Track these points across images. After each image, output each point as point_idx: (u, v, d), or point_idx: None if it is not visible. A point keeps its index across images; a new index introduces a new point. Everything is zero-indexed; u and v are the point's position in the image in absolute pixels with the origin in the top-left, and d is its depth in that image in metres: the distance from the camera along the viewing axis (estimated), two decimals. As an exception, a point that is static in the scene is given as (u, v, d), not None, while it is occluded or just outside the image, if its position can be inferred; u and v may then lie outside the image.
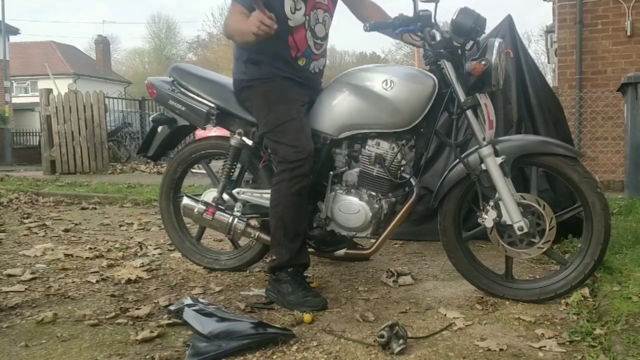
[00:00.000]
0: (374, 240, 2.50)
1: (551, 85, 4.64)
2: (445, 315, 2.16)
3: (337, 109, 2.42)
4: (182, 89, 2.70)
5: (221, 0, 55.32)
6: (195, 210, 2.66)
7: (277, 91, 2.41)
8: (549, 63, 19.88)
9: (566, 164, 2.24)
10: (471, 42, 2.26)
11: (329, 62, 3.28)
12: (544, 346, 1.83)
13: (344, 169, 2.47)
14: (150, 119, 2.91)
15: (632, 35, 6.64)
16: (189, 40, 58.28)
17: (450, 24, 2.23)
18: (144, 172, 9.64)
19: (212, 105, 2.62)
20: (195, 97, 2.66)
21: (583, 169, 2.23)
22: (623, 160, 5.81)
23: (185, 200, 2.72)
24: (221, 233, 2.74)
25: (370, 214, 2.39)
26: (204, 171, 2.99)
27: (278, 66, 2.43)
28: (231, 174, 2.70)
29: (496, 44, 2.20)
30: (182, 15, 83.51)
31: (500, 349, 1.82)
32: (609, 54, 6.75)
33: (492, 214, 2.24)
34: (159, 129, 2.84)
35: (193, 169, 3.09)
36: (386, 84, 2.32)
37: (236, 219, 2.61)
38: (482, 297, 2.34)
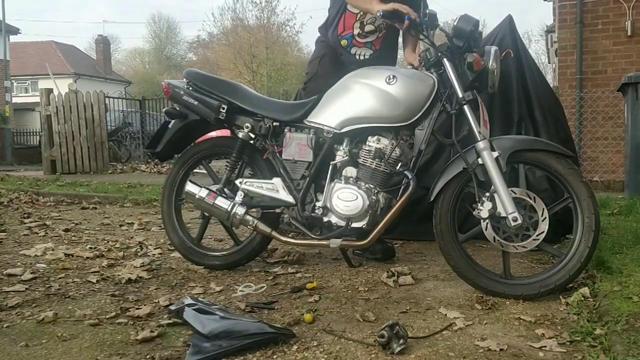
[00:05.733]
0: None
1: (551, 85, 4.64)
2: (446, 315, 2.16)
3: (341, 104, 2.57)
4: (197, 88, 2.82)
5: (221, 1, 55.33)
6: (197, 194, 2.75)
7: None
8: (549, 63, 19.88)
9: (551, 157, 2.34)
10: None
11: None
12: (545, 346, 1.83)
13: (345, 159, 2.58)
14: (164, 111, 3.03)
15: (632, 35, 6.63)
16: (189, 40, 58.33)
17: (452, 30, 2.42)
18: (144, 171, 9.65)
19: (223, 100, 2.75)
20: (209, 94, 2.78)
21: (566, 161, 2.33)
22: (623, 160, 5.81)
23: (189, 185, 2.82)
24: (220, 219, 2.80)
25: (368, 203, 2.51)
26: (204, 171, 3.03)
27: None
28: (236, 166, 2.82)
29: (492, 51, 2.43)
30: (182, 15, 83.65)
31: (501, 349, 1.82)
32: (609, 54, 6.75)
33: (488, 205, 2.33)
34: (170, 124, 2.91)
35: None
36: (389, 79, 2.49)
37: (237, 205, 2.71)
38: (482, 297, 2.34)
